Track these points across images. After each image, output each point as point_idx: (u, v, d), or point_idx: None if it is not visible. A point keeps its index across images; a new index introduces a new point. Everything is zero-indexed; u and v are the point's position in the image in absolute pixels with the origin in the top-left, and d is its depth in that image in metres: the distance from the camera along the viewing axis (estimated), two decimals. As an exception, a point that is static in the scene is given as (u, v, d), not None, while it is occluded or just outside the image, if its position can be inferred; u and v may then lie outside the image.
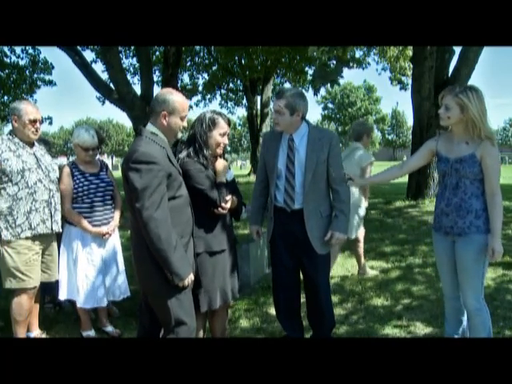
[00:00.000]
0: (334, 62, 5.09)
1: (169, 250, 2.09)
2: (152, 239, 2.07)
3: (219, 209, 2.53)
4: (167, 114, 2.22)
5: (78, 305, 3.22)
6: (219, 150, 2.61)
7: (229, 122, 2.63)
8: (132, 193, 2.09)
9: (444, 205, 2.57)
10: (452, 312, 2.77)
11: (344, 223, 2.76)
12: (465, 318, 2.77)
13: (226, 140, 2.62)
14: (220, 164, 2.61)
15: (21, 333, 3.09)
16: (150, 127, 2.26)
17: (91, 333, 3.33)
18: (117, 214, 3.34)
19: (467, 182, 2.48)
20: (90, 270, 3.21)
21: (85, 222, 3.16)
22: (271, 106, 20.06)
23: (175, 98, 2.24)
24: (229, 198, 2.57)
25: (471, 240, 2.49)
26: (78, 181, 3.18)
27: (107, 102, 10.71)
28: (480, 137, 2.42)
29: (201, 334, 2.72)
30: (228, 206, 2.57)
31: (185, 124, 2.33)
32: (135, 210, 2.09)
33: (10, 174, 2.90)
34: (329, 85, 5.09)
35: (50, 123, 14.16)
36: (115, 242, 3.37)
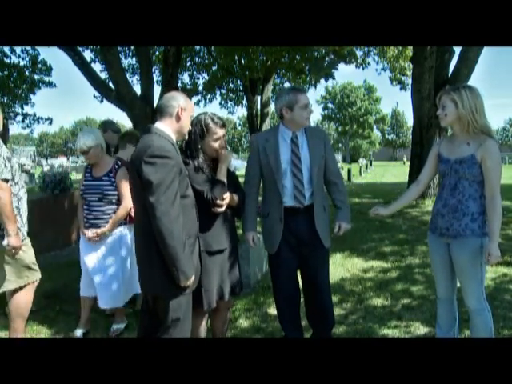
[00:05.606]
0: (332, 57, 5.18)
1: (179, 248, 2.09)
2: (164, 234, 2.05)
3: (216, 207, 2.53)
4: (183, 108, 2.28)
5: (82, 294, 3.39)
6: (216, 154, 2.63)
7: (223, 124, 2.63)
8: (146, 187, 2.07)
9: (441, 205, 2.55)
10: (444, 315, 2.74)
11: (347, 213, 2.90)
12: (456, 324, 2.76)
13: (222, 143, 2.63)
14: (223, 155, 2.63)
15: (23, 330, 3.06)
16: (159, 125, 2.28)
17: (79, 332, 3.29)
18: (115, 216, 3.23)
19: (465, 183, 2.45)
20: (84, 269, 3.33)
21: (80, 223, 3.38)
22: (271, 106, 20.08)
23: (186, 97, 2.35)
24: (226, 195, 2.57)
25: (465, 243, 2.46)
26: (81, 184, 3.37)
27: (106, 101, 10.70)
28: (469, 132, 2.40)
29: (202, 333, 2.71)
30: (225, 202, 2.56)
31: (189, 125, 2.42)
32: (148, 205, 2.06)
33: (14, 172, 2.87)
34: (323, 80, 5.18)
35: (50, 123, 14.18)
36: (116, 243, 3.29)
